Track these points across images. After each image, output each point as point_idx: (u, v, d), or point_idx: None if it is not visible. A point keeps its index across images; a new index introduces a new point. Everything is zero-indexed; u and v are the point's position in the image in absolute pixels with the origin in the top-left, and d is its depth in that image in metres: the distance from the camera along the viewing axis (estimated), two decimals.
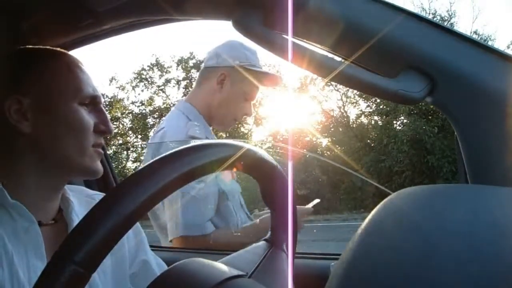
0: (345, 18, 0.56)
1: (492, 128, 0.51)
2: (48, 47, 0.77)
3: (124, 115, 18.40)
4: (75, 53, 0.87)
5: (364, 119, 16.97)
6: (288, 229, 0.59)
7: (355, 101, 16.98)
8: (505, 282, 0.23)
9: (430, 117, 13.55)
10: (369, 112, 16.52)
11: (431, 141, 12.87)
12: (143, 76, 18.36)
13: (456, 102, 0.53)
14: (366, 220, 0.31)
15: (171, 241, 1.30)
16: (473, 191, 0.33)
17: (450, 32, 0.54)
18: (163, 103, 18.33)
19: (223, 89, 1.40)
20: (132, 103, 18.63)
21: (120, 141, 18.29)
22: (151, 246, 0.88)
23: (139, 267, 0.82)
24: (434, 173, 12.90)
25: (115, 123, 17.79)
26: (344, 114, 17.16)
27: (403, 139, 13.24)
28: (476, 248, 0.25)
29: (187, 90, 17.98)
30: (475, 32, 15.72)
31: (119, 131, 18.15)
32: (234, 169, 0.49)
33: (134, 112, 18.40)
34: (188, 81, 18.13)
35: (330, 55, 0.59)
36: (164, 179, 0.41)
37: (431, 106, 0.60)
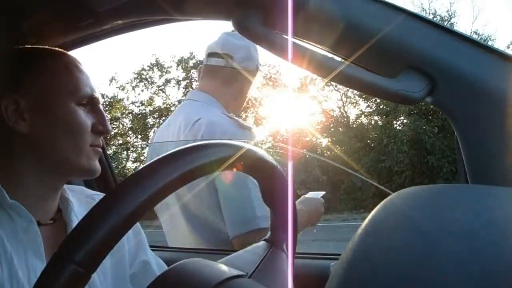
0: (345, 18, 0.56)
1: (492, 128, 0.51)
2: (46, 47, 0.77)
3: (124, 115, 18.40)
4: (75, 53, 0.87)
5: (364, 119, 16.98)
6: (288, 229, 0.59)
7: (355, 101, 16.99)
8: (505, 282, 0.23)
9: (430, 117, 13.55)
10: (369, 112, 16.54)
11: (431, 141, 12.87)
12: (143, 76, 18.35)
13: (456, 102, 0.53)
14: (366, 220, 0.31)
15: (233, 238, 1.20)
16: (473, 191, 0.33)
17: (450, 32, 0.54)
18: (163, 103, 18.34)
19: (247, 90, 1.42)
20: (132, 103, 18.63)
21: (120, 141, 18.29)
22: (151, 246, 0.88)
23: (139, 267, 0.82)
24: (434, 173, 12.90)
25: (115, 123, 17.81)
26: (344, 114, 17.17)
27: (403, 139, 13.24)
28: (476, 248, 0.25)
29: (187, 90, 17.98)
30: (475, 32, 15.72)
31: (119, 131, 18.16)
32: (234, 169, 0.49)
33: (134, 112, 18.41)
34: (188, 81, 18.13)
35: (330, 55, 0.59)
36: (164, 179, 0.41)
37: (431, 106, 0.60)
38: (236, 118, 1.33)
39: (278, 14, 0.57)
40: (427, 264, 0.25)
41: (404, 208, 0.31)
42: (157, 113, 17.79)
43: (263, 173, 0.55)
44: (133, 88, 18.33)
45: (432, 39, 0.54)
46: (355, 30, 0.56)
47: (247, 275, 0.50)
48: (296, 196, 1.31)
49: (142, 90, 20.87)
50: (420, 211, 0.30)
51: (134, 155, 17.07)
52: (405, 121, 14.52)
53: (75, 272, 0.36)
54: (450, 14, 16.07)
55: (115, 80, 18.66)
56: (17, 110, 0.68)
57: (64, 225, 0.73)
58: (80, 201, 0.79)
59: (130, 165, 16.71)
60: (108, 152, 1.53)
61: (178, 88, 18.48)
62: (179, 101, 17.91)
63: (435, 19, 13.27)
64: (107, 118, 0.76)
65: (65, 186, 0.78)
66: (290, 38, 0.57)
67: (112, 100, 17.90)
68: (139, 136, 17.72)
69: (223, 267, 0.48)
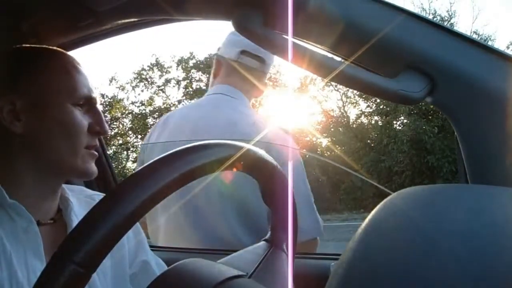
0: (345, 18, 0.56)
1: (492, 128, 0.51)
2: (44, 46, 0.77)
3: (124, 115, 18.41)
4: (75, 53, 0.87)
5: (364, 119, 16.98)
6: (288, 229, 0.59)
7: (355, 101, 16.99)
8: (505, 282, 0.23)
9: (430, 117, 13.56)
10: (369, 112, 16.54)
11: (431, 141, 12.88)
12: (143, 76, 18.35)
13: (456, 102, 0.53)
14: (366, 220, 0.31)
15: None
16: (473, 191, 0.33)
17: (450, 32, 0.54)
18: (163, 103, 18.34)
19: (262, 90, 1.41)
20: (132, 103, 18.63)
21: (120, 141, 18.29)
22: (151, 246, 0.88)
23: (139, 267, 0.82)
24: (434, 173, 12.90)
25: (115, 123, 17.81)
26: (344, 114, 17.18)
27: (403, 139, 13.24)
28: (476, 248, 0.25)
29: (187, 90, 17.98)
30: (475, 32, 15.72)
31: (119, 131, 18.15)
32: (234, 169, 0.49)
33: (134, 112, 18.40)
34: (188, 81, 18.13)
35: (330, 55, 0.59)
36: (164, 179, 0.41)
37: (431, 106, 0.60)
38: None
39: (278, 14, 0.57)
40: (427, 264, 0.25)
41: (404, 208, 0.31)
42: (157, 113, 17.78)
43: (263, 173, 0.55)
44: (133, 88, 18.35)
45: (432, 39, 0.54)
46: (355, 30, 0.56)
47: (247, 275, 0.50)
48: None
49: (142, 90, 20.88)
50: (420, 211, 0.30)
51: (134, 155, 17.07)
52: (405, 121, 14.53)
53: (75, 272, 0.36)
54: (450, 14, 16.08)
55: (115, 80, 18.66)
56: (13, 111, 0.68)
57: (64, 225, 0.73)
58: (80, 201, 0.79)
59: (130, 165, 16.71)
60: (108, 152, 1.52)
61: (178, 88, 18.50)
62: (179, 101, 17.92)
63: (435, 19, 13.26)
64: (104, 119, 0.75)
65: (65, 186, 0.78)
66: (290, 38, 0.57)
67: (112, 100, 17.91)
68: (139, 136, 17.72)
69: (223, 267, 0.48)
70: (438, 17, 15.63)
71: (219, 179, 1.16)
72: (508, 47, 15.06)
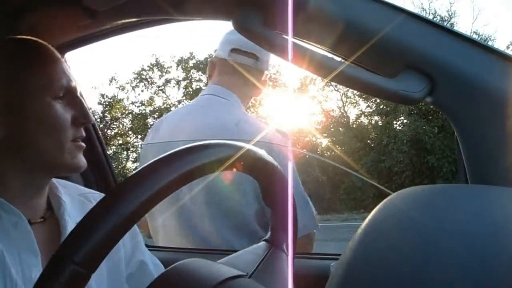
0: (345, 18, 0.56)
1: (492, 128, 0.51)
2: (10, 37, 0.72)
3: (124, 115, 18.41)
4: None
5: (364, 119, 16.99)
6: (288, 229, 0.59)
7: (355, 101, 17.00)
8: (505, 282, 0.23)
9: (430, 117, 13.56)
10: (369, 112, 16.55)
11: (431, 141, 12.88)
12: (143, 76, 18.36)
13: (456, 102, 0.53)
14: (366, 221, 0.31)
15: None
16: (473, 191, 0.33)
17: (450, 32, 0.54)
18: (163, 103, 18.35)
19: (257, 88, 1.37)
20: (132, 103, 18.65)
21: (120, 141, 18.29)
22: (150, 246, 0.88)
23: (136, 267, 0.82)
24: (434, 173, 12.91)
25: (115, 123, 17.81)
26: (344, 114, 17.18)
27: (403, 139, 13.25)
28: (476, 248, 0.25)
29: (187, 90, 17.98)
30: (475, 32, 15.73)
31: (119, 131, 18.16)
32: (234, 169, 0.49)
33: (134, 112, 18.41)
34: (188, 81, 18.14)
35: (330, 55, 0.59)
36: (164, 179, 0.41)
37: (431, 106, 0.60)
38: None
39: (278, 14, 0.57)
40: (427, 264, 0.25)
41: (404, 208, 0.31)
42: (157, 113, 17.78)
43: (263, 173, 0.55)
44: (133, 88, 18.36)
45: (432, 39, 0.54)
46: (355, 30, 0.56)
47: (247, 275, 0.50)
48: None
49: (142, 90, 20.93)
50: (420, 211, 0.30)
51: (134, 155, 17.08)
52: (405, 121, 14.53)
53: (75, 272, 0.36)
54: (450, 14, 16.08)
55: (115, 80, 18.66)
56: None
57: (56, 223, 0.72)
58: (73, 199, 0.77)
59: (130, 165, 16.73)
60: (108, 152, 1.52)
61: (178, 88, 18.51)
62: (179, 101, 17.91)
63: (435, 19, 13.27)
64: (87, 106, 0.72)
65: (58, 183, 0.76)
66: (290, 38, 0.56)
67: (112, 100, 17.91)
68: (139, 136, 17.72)
69: (223, 267, 0.48)
70: (438, 17, 15.63)
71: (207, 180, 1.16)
72: (508, 47, 15.07)
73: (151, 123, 17.56)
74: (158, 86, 18.46)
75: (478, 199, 0.30)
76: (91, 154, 1.20)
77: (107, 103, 17.66)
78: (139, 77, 18.31)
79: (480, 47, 0.53)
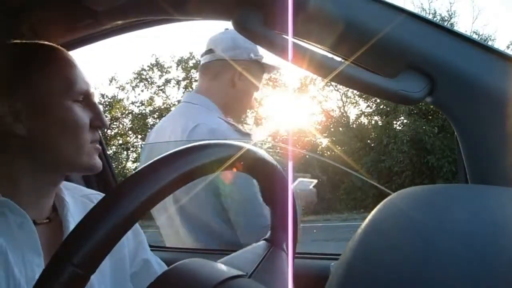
0: (345, 18, 0.56)
1: (492, 128, 0.51)
2: (37, 42, 0.75)
3: (124, 115, 18.40)
4: (75, 53, 0.87)
5: (364, 119, 16.97)
6: (288, 229, 0.59)
7: (355, 101, 16.98)
8: (505, 282, 0.23)
9: (430, 117, 13.55)
10: (369, 112, 16.54)
11: (431, 141, 12.87)
12: (143, 76, 18.34)
13: (456, 102, 0.53)
14: (366, 220, 0.31)
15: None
16: (473, 191, 0.33)
17: (450, 32, 0.54)
18: (163, 103, 18.33)
19: (241, 82, 1.34)
20: (132, 103, 18.61)
21: (120, 141, 18.28)
22: (151, 246, 0.88)
23: (140, 266, 0.82)
24: (434, 173, 12.90)
25: (115, 123, 17.79)
26: (344, 114, 17.17)
27: (403, 139, 13.23)
28: (476, 248, 0.25)
29: (187, 90, 17.97)
30: (475, 32, 15.72)
31: (119, 131, 18.14)
32: (234, 169, 0.49)
33: (134, 112, 18.39)
34: (188, 81, 18.13)
35: (330, 55, 0.59)
36: (164, 179, 0.41)
37: (431, 106, 0.60)
38: (233, 123, 1.30)
39: (278, 14, 0.57)
40: (427, 263, 0.25)
41: (404, 208, 0.31)
42: (157, 113, 17.78)
43: (263, 173, 0.56)
44: (133, 88, 18.34)
45: (432, 39, 0.54)
46: (355, 30, 0.56)
47: (247, 275, 0.50)
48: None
49: (142, 90, 20.88)
50: (420, 211, 0.30)
51: (134, 155, 17.06)
52: (405, 121, 14.52)
53: (74, 274, 0.36)
54: (450, 14, 16.06)
55: (115, 80, 18.64)
56: (13, 113, 0.67)
57: (60, 224, 0.73)
58: (75, 200, 0.78)
59: (130, 165, 16.70)
60: (108, 152, 1.52)
61: (178, 88, 18.48)
62: (179, 101, 17.91)
63: (435, 19, 13.27)
64: (102, 111, 0.74)
65: (61, 184, 0.77)
66: (290, 38, 0.56)
67: (112, 100, 17.90)
68: (139, 136, 17.71)
69: (223, 267, 0.48)
70: (438, 17, 15.62)
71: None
72: (508, 47, 15.05)
73: (151, 123, 17.56)
74: (158, 86, 18.45)
75: (478, 199, 0.30)
76: None
77: (107, 103, 17.64)
78: (139, 77, 18.30)
79: (480, 47, 0.53)
